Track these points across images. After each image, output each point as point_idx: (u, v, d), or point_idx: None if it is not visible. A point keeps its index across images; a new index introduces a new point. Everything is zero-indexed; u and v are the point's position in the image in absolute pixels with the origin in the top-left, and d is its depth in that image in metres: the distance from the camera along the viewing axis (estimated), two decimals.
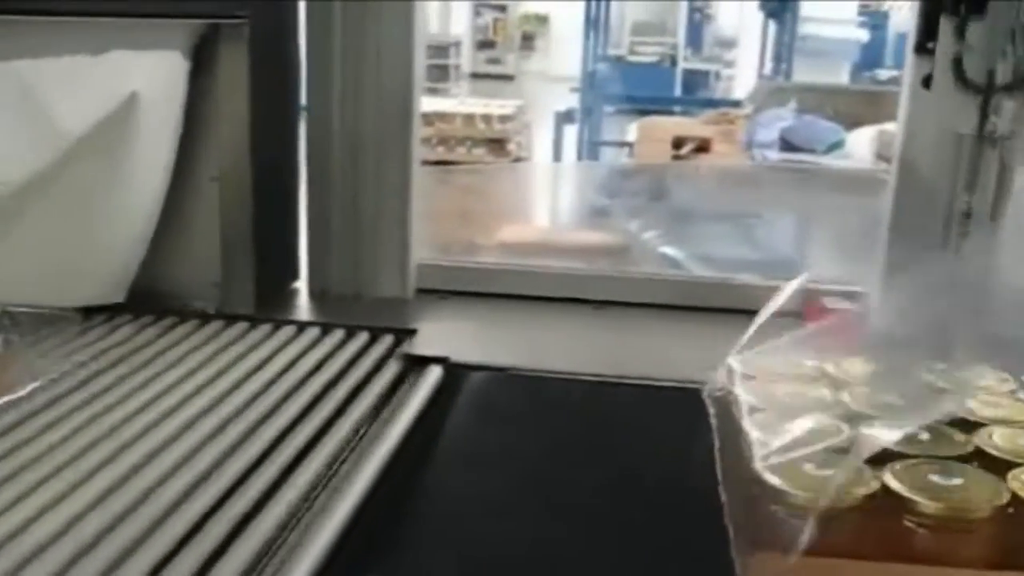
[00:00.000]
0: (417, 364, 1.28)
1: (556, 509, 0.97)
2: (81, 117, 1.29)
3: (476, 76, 16.85)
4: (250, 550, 0.85)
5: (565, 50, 11.69)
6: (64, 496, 0.91)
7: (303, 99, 1.56)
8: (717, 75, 13.03)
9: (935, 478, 0.80)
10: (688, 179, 3.68)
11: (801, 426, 0.86)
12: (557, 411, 1.21)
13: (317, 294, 1.56)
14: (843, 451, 0.83)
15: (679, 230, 2.23)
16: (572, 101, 8.45)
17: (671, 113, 8.58)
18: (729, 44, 13.20)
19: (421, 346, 1.33)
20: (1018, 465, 0.83)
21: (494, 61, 17.58)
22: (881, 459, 0.81)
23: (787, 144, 5.37)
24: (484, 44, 17.83)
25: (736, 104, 7.57)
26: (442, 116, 7.48)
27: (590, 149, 7.84)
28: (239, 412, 1.11)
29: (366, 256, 1.55)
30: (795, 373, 1.03)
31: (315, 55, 1.51)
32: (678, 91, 11.85)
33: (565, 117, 7.94)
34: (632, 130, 6.86)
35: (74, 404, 1.10)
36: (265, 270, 1.46)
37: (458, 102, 8.38)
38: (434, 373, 1.25)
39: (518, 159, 7.53)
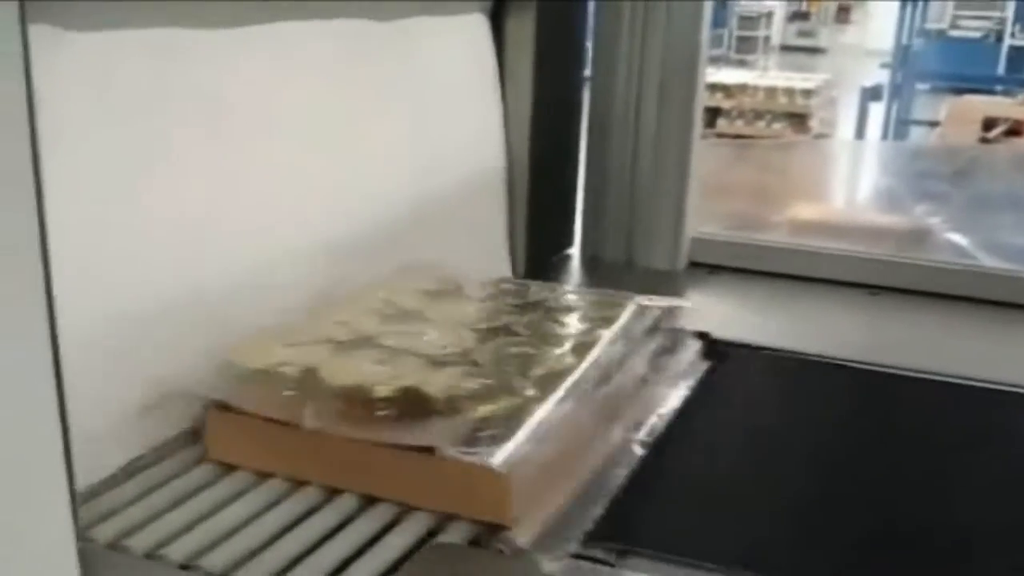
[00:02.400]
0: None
1: (794, 497, 0.95)
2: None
3: (786, 49, 16.44)
4: None
5: (884, 24, 11.18)
6: None
7: (588, 68, 1.57)
8: None
9: None
10: (994, 163, 3.46)
11: None
12: (815, 396, 1.18)
13: (588, 261, 1.58)
14: None
15: (972, 217, 2.11)
16: (883, 77, 8.10)
17: (992, 93, 8.04)
18: None
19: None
20: None
21: (806, 34, 17.09)
22: None
23: None
24: (797, 16, 17.36)
25: None
26: (743, 88, 7.34)
27: (897, 128, 7.50)
28: None
29: (640, 226, 1.56)
30: None
31: (603, 24, 1.52)
32: (1001, 70, 11.10)
33: (871, 93, 7.62)
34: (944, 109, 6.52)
35: None
36: (539, 234, 1.50)
37: (759, 74, 8.17)
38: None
39: (820, 136, 7.29)
